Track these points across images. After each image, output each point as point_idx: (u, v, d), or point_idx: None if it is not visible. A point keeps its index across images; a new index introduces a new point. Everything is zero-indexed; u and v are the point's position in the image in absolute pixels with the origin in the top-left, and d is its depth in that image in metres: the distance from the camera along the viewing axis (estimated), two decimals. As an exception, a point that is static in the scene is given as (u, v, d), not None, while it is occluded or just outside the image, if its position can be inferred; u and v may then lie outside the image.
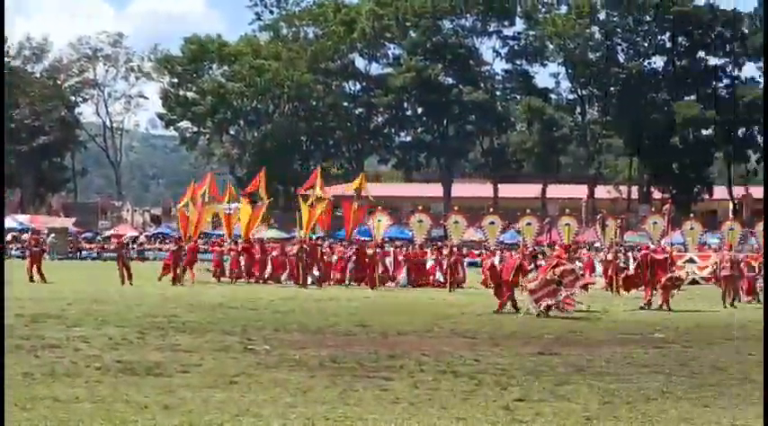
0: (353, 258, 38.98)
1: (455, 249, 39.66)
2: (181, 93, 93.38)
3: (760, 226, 48.29)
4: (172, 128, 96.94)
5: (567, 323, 22.04)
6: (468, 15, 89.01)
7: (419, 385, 12.46)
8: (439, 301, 29.61)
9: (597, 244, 45.06)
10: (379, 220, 40.73)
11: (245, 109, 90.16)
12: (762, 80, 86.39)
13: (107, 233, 76.62)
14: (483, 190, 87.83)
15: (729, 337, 19.26)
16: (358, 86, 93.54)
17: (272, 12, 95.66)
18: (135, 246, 64.99)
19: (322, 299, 28.83)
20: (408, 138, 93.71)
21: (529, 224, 41.56)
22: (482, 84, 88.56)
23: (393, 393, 11.82)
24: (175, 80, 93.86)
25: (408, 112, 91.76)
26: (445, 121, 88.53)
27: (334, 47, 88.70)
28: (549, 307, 24.13)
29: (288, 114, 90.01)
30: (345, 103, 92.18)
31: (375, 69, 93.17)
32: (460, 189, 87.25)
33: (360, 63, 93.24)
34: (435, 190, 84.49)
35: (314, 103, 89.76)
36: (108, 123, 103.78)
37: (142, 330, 18.16)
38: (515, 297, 25.60)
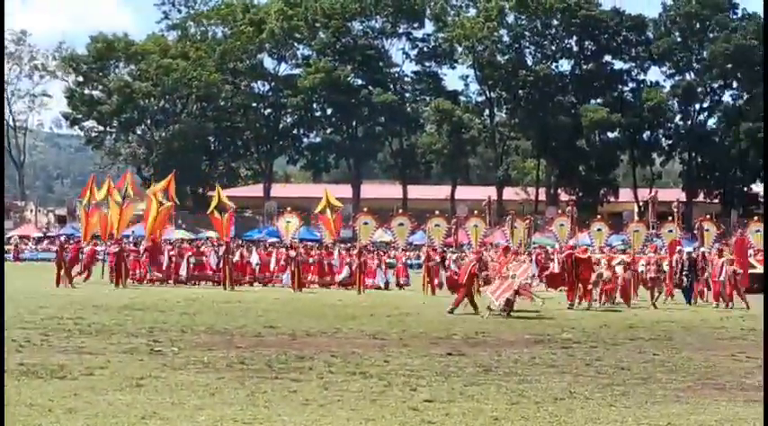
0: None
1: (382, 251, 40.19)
2: (86, 91, 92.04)
3: (664, 228, 49.17)
4: (77, 127, 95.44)
5: (475, 324, 22.16)
6: (377, 17, 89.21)
7: (328, 386, 12.40)
8: (348, 302, 29.56)
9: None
10: (288, 221, 40.54)
11: (153, 108, 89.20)
12: (665, 84, 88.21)
13: (10, 233, 75.21)
14: (392, 191, 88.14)
15: (634, 337, 19.52)
16: (267, 87, 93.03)
17: (179, 11, 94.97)
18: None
19: (230, 301, 28.61)
20: (317, 139, 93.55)
21: (438, 225, 41.74)
22: (391, 86, 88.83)
23: (302, 394, 11.75)
24: (81, 79, 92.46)
25: (317, 113, 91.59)
26: (354, 122, 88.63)
27: (243, 47, 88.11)
28: (509, 301, 24.90)
29: (196, 114, 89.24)
30: (254, 104, 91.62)
31: (284, 70, 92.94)
32: (370, 190, 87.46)
33: (269, 63, 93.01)
34: (344, 191, 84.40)
35: (222, 103, 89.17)
36: (11, 122, 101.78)
37: (46, 332, 17.84)
38: (473, 298, 26.21)
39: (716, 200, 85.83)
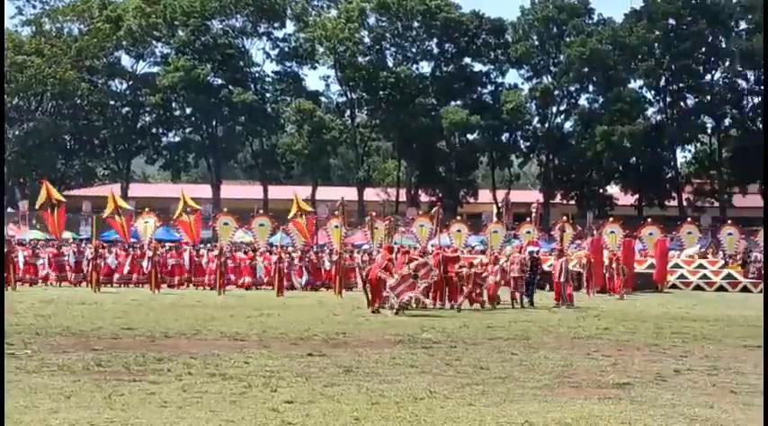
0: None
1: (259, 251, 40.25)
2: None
3: (522, 228, 50.01)
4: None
5: (335, 325, 22.14)
6: (237, 16, 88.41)
7: (187, 387, 12.22)
8: (208, 303, 29.28)
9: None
10: (146, 222, 39.96)
11: (6, 106, 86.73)
12: (523, 87, 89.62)
13: None
14: (253, 191, 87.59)
15: (493, 337, 19.76)
16: (124, 85, 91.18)
17: (34, 6, 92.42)
18: None
19: (86, 302, 28.02)
20: (176, 139, 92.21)
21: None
22: (252, 86, 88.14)
23: (160, 396, 11.55)
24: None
25: (177, 112, 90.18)
26: (214, 122, 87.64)
27: (100, 44, 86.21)
28: (408, 301, 26.05)
29: (51, 112, 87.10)
30: (111, 102, 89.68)
31: (142, 68, 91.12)
32: (230, 190, 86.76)
33: (126, 61, 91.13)
34: (204, 191, 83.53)
35: (78, 101, 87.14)
36: None
37: None
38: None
39: (572, 202, 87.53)
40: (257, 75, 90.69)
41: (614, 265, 40.60)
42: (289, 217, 40.46)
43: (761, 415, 10.95)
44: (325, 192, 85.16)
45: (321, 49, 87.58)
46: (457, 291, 29.49)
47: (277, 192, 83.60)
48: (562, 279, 32.06)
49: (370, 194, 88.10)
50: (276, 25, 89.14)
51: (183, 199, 39.02)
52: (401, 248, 33.25)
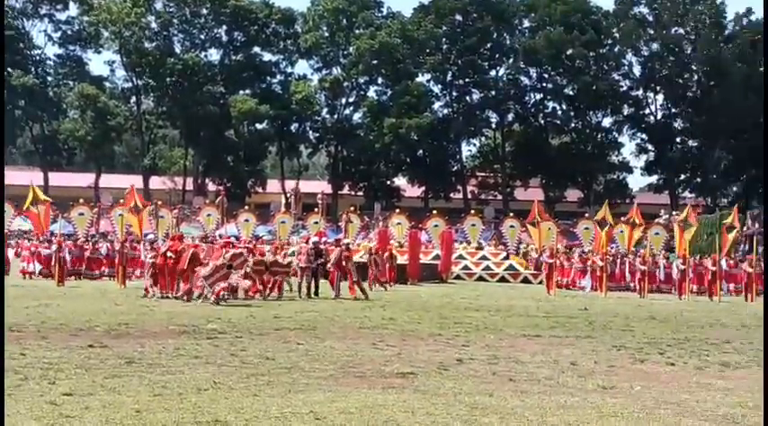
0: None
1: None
2: None
3: (310, 219, 50.13)
4: None
5: (117, 315, 21.63)
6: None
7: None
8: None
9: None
10: None
11: None
12: (313, 77, 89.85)
13: None
14: (32, 178, 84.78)
15: (279, 328, 19.68)
16: None
17: None
18: None
19: None
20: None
21: (81, 214, 40.63)
22: (33, 69, 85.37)
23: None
24: None
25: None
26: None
27: None
28: (222, 290, 26.03)
29: None
30: None
31: None
32: (8, 176, 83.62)
33: None
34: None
35: None
36: None
37: None
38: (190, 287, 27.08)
39: (360, 193, 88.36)
40: (38, 57, 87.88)
41: (385, 256, 40.87)
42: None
43: (538, 402, 11.28)
44: (109, 180, 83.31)
45: (106, 34, 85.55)
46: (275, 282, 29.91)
47: (58, 179, 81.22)
48: (330, 268, 32.16)
49: (156, 183, 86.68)
50: (59, 7, 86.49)
51: (32, 191, 37.32)
52: (226, 239, 32.88)
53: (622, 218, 45.12)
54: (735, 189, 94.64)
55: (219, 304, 25.48)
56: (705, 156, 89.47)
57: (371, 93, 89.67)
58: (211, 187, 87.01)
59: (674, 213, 62.04)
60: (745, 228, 58.14)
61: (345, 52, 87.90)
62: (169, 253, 28.56)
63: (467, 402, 11.15)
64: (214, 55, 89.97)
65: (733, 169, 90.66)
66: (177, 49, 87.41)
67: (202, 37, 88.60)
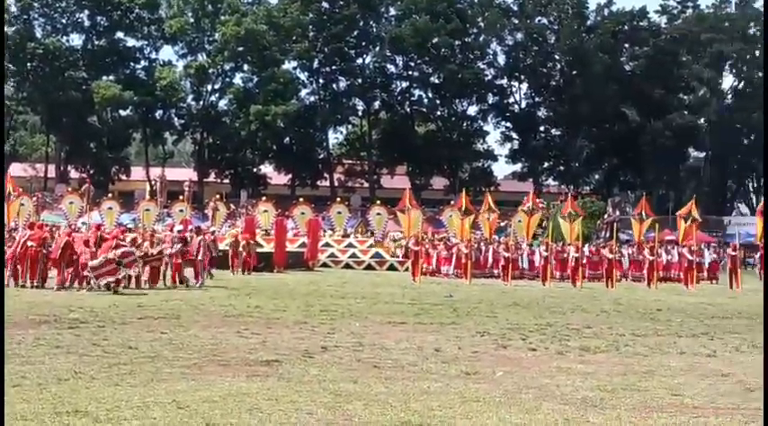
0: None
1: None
2: None
3: (176, 207, 49.60)
4: None
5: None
6: None
7: None
8: None
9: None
10: None
11: None
12: (178, 64, 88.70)
13: None
14: None
15: (143, 316, 19.43)
16: None
17: None
18: None
19: None
20: None
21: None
22: None
23: None
24: None
25: None
26: None
27: None
28: (108, 285, 26.10)
29: None
30: None
31: None
32: None
33: None
34: None
35: None
36: None
37: None
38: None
39: (226, 180, 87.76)
40: None
41: (242, 245, 40.69)
42: None
43: (402, 388, 11.39)
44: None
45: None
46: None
47: None
48: (200, 257, 31.92)
49: (17, 169, 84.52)
50: None
51: None
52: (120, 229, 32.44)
53: (493, 207, 45.56)
54: (597, 177, 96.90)
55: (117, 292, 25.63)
56: (568, 145, 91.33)
57: (237, 79, 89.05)
58: (74, 174, 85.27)
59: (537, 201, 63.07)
60: (606, 216, 59.58)
61: (211, 38, 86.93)
62: (30, 242, 27.91)
63: (331, 389, 11.19)
64: (76, 40, 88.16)
65: (595, 157, 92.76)
66: (38, 34, 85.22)
67: (64, 21, 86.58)
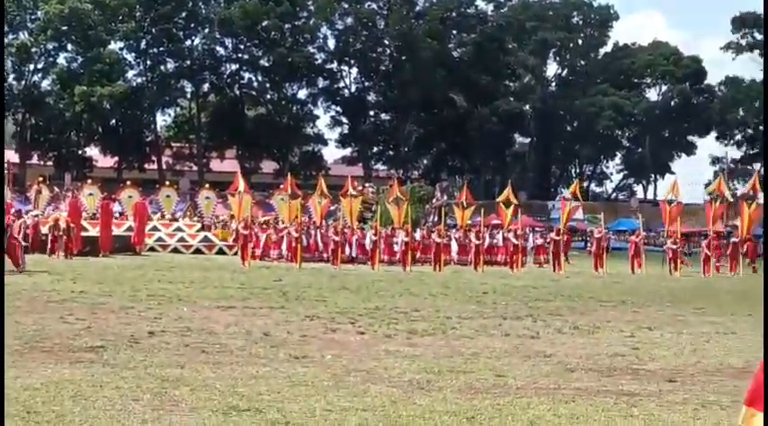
0: None
1: None
2: None
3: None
4: None
5: None
6: None
7: None
8: None
9: None
10: None
11: None
12: None
13: None
14: None
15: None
16: None
17: None
18: None
19: None
20: None
21: None
22: None
23: None
24: None
25: None
26: None
27: None
28: None
29: None
30: None
31: None
32: None
33: None
34: None
35: None
36: None
37: None
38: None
39: (50, 163, 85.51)
40: None
41: (65, 227, 39.80)
42: None
43: (230, 373, 11.30)
44: None
45: None
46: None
47: None
48: (23, 243, 31.10)
49: None
50: None
51: None
52: None
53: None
54: (425, 162, 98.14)
55: None
56: (397, 130, 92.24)
57: (61, 59, 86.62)
58: None
59: (366, 185, 63.54)
60: (434, 200, 60.33)
61: (33, 17, 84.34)
62: None
63: (157, 374, 11.03)
64: None
65: (423, 142, 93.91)
66: None
67: None
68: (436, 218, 52.53)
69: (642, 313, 21.45)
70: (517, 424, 9.15)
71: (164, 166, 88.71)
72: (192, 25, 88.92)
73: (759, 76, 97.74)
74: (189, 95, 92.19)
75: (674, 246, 43.18)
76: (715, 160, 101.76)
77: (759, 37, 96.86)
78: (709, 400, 10.61)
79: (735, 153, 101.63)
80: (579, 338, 16.20)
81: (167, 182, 62.13)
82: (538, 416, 9.51)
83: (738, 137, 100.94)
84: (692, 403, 10.46)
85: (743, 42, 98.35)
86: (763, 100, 77.61)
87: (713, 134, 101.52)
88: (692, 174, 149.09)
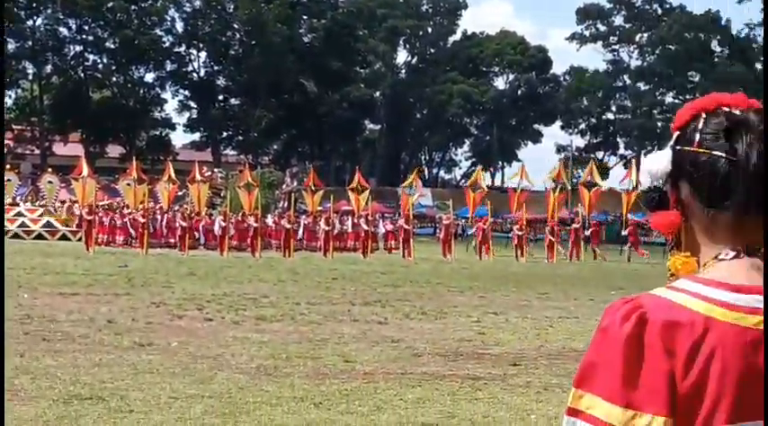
0: None
1: None
2: None
3: None
4: None
5: None
6: None
7: None
8: None
9: None
10: None
11: None
12: None
13: None
14: None
15: None
16: None
17: None
18: None
19: None
20: None
21: None
22: None
23: None
24: None
25: None
26: None
27: None
28: None
29: None
30: None
31: None
32: None
33: None
34: None
35: None
36: None
37: None
38: None
39: None
40: None
41: None
42: None
43: (72, 361, 11.00)
44: None
45: None
46: None
47: None
48: None
49: None
50: None
51: None
52: None
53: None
54: (275, 147, 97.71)
55: None
56: (247, 114, 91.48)
57: None
58: None
59: (215, 170, 62.99)
60: (284, 186, 60.19)
61: None
62: None
63: None
64: None
65: (274, 128, 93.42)
66: None
67: None
68: (286, 204, 52.41)
69: (488, 298, 21.76)
70: (364, 409, 9.14)
71: (4, 149, 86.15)
72: (35, 5, 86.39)
73: (602, 67, 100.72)
74: (31, 77, 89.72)
75: (520, 233, 44.08)
76: (560, 148, 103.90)
77: (602, 28, 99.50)
78: (551, 383, 10.81)
79: (579, 141, 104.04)
80: (427, 323, 16.32)
81: (8, 166, 60.26)
82: (385, 401, 9.53)
83: (582, 126, 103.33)
84: (535, 385, 10.65)
85: (587, 33, 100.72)
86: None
87: (558, 123, 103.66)
88: (539, 162, 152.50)
